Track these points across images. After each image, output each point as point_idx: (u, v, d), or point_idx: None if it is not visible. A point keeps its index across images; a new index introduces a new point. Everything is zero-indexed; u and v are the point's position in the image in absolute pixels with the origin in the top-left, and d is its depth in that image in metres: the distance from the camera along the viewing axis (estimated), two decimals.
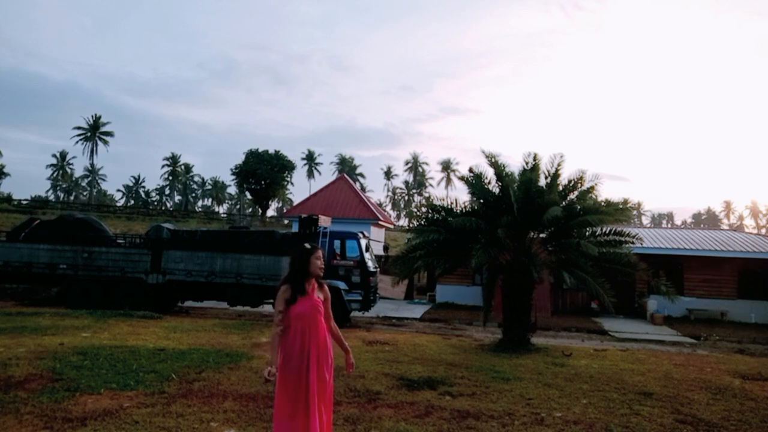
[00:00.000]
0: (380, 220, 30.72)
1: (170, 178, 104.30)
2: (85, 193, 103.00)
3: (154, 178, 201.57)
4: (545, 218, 10.38)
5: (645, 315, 19.77)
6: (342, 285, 14.18)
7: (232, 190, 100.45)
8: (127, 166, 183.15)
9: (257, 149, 56.45)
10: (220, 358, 8.24)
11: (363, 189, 78.88)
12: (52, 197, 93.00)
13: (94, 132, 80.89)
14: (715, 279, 20.76)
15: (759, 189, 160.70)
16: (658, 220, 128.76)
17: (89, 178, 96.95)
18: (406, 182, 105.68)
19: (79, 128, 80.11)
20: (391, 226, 38.87)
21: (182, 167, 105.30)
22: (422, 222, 12.41)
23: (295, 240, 14.00)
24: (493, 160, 11.71)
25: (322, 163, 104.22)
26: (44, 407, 5.42)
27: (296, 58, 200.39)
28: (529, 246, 11.12)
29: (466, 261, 10.81)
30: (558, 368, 8.97)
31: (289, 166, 58.80)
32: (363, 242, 14.99)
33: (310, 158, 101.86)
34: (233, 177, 60.38)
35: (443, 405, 6.26)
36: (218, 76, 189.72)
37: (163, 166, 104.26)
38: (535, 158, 11.67)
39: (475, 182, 11.73)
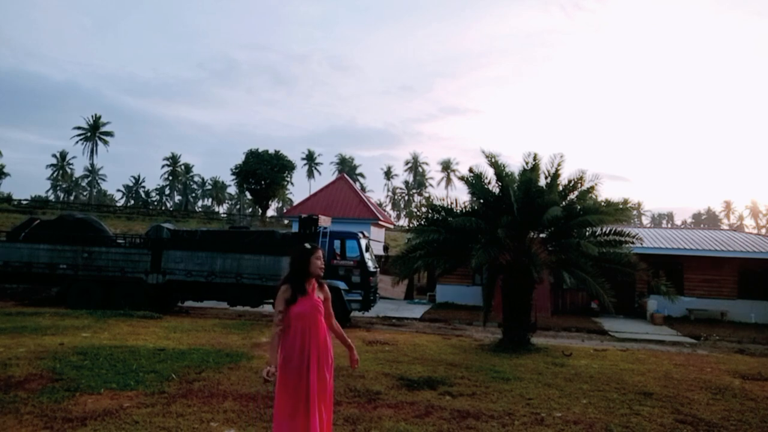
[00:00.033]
0: (380, 220, 30.73)
1: (170, 178, 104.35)
2: (85, 193, 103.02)
3: (154, 178, 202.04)
4: (545, 218, 10.38)
5: (645, 315, 19.77)
6: (342, 285, 14.18)
7: (232, 190, 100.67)
8: (127, 166, 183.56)
9: (257, 149, 56.53)
10: (220, 358, 8.24)
11: (363, 189, 78.89)
12: (52, 197, 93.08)
13: (94, 132, 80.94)
14: (715, 279, 20.76)
15: (759, 189, 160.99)
16: (658, 220, 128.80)
17: (89, 178, 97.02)
18: (406, 182, 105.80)
19: (79, 128, 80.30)
20: (391, 226, 38.87)
21: (182, 167, 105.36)
22: (422, 222, 12.41)
23: (295, 240, 14.01)
24: (493, 160, 11.72)
25: (322, 163, 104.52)
26: (44, 407, 5.42)
27: (296, 58, 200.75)
28: (529, 246, 11.12)
29: (466, 261, 10.81)
30: (558, 368, 8.97)
31: (289, 166, 58.82)
32: (363, 242, 15.00)
33: (310, 158, 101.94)
34: (233, 177, 60.48)
35: (443, 405, 6.26)
36: (218, 76, 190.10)
37: (163, 166, 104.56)
38: (535, 158, 11.68)
39: (475, 182, 11.74)
